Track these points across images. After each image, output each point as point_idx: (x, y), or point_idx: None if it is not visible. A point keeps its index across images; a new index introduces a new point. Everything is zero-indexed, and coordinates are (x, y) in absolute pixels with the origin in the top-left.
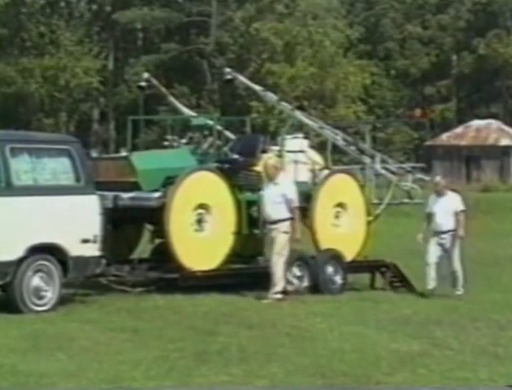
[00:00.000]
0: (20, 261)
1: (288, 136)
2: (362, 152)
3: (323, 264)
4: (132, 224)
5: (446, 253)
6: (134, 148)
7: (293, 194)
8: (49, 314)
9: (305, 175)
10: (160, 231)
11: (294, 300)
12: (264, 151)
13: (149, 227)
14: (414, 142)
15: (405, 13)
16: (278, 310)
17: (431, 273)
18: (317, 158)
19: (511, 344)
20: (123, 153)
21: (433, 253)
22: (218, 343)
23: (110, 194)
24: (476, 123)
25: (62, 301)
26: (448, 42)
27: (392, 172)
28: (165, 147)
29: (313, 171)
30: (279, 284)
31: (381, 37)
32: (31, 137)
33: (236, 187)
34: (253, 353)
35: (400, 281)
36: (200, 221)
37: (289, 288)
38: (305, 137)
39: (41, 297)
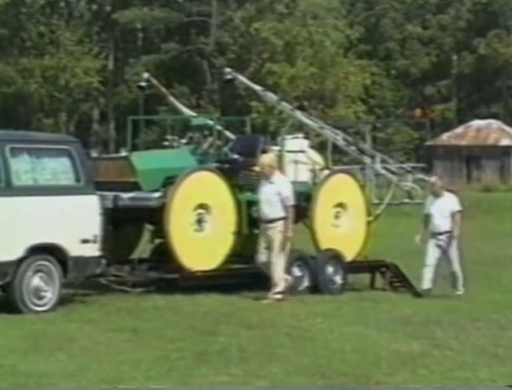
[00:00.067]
0: (20, 261)
1: (289, 136)
2: (362, 152)
3: (323, 264)
4: (132, 224)
5: (444, 254)
6: (134, 148)
7: (288, 192)
8: (49, 314)
9: (305, 175)
10: (160, 231)
11: (294, 300)
12: (264, 151)
13: (149, 227)
14: (414, 142)
15: (406, 13)
16: (278, 310)
17: (428, 274)
18: (317, 158)
19: (511, 345)
20: (123, 153)
21: (431, 254)
22: (218, 343)
23: (110, 194)
24: (477, 123)
25: (62, 301)
26: (448, 42)
27: (393, 172)
28: (165, 147)
29: (313, 171)
30: (279, 285)
31: (381, 37)
32: (31, 137)
33: (236, 187)
34: (254, 353)
35: (400, 281)
36: (200, 221)
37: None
38: (306, 137)
39: (40, 297)
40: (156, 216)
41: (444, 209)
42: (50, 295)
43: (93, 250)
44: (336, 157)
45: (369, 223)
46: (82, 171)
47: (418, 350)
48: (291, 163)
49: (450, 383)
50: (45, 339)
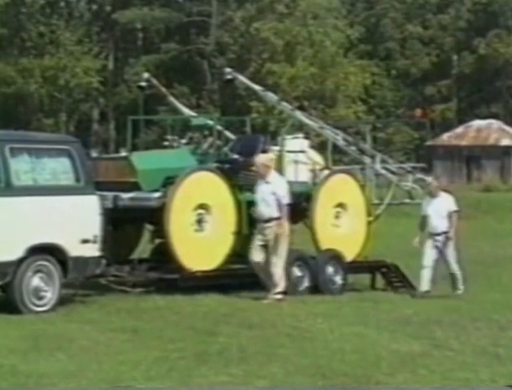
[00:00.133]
0: (20, 261)
1: (289, 136)
2: (362, 152)
3: (323, 264)
4: (132, 224)
5: (442, 254)
6: (134, 148)
7: (284, 191)
8: (49, 314)
9: (305, 176)
10: (160, 231)
11: (294, 300)
12: (264, 151)
13: (149, 227)
14: (414, 142)
15: (406, 13)
16: (278, 311)
17: (426, 276)
18: (317, 158)
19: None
20: (123, 153)
21: (429, 255)
22: (218, 343)
23: (110, 194)
24: (477, 123)
25: (62, 301)
26: (448, 42)
27: (393, 172)
28: (165, 147)
29: (313, 171)
30: (279, 285)
31: (382, 37)
32: (31, 137)
33: (236, 187)
34: (254, 354)
35: (400, 281)
36: (200, 221)
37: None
38: (306, 137)
39: (40, 298)
40: (156, 216)
41: (441, 209)
42: (50, 295)
43: (93, 250)
44: (336, 157)
45: (369, 223)
46: (82, 171)
47: (418, 350)
48: (291, 163)
49: (450, 384)
50: (45, 339)
